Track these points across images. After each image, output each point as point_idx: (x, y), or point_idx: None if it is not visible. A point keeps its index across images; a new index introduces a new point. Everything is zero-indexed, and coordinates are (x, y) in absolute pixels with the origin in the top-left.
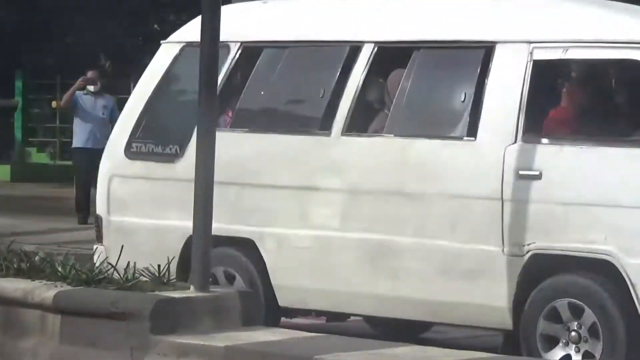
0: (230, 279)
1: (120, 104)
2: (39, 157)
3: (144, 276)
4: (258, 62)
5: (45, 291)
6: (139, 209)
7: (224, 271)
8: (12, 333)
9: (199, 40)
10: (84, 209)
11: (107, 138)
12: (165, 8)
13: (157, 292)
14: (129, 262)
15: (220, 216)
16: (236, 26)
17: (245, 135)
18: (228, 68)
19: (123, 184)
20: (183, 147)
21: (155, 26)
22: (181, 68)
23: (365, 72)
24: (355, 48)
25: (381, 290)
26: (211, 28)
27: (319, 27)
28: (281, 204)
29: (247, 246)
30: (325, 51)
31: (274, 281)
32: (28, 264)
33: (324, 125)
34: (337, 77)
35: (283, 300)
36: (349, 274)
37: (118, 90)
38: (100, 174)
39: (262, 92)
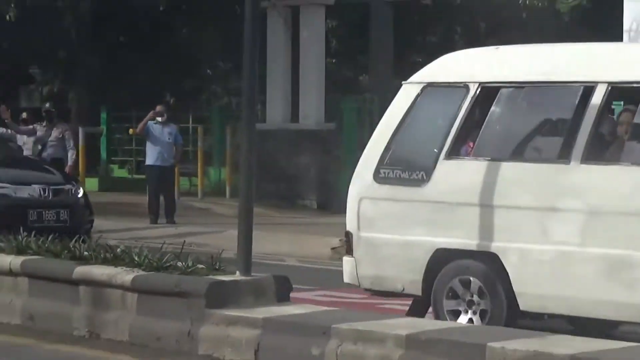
0: (466, 285)
1: (181, 132)
2: (119, 172)
3: (200, 264)
4: (495, 100)
5: (125, 275)
6: (387, 226)
7: (459, 279)
8: (100, 307)
9: (438, 81)
10: (155, 212)
11: (172, 158)
12: (215, 57)
13: (210, 276)
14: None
15: (465, 233)
16: (474, 69)
17: (487, 163)
18: (468, 105)
19: (372, 204)
20: (428, 173)
21: (208, 71)
22: (422, 105)
23: (599, 109)
24: (589, 88)
25: (620, 298)
26: (251, 65)
27: (553, 69)
28: (523, 222)
29: (490, 259)
30: (560, 90)
31: (516, 289)
32: (112, 255)
33: (562, 155)
34: (573, 113)
35: (524, 305)
36: (589, 283)
37: (180, 120)
38: (350, 196)
39: (501, 126)
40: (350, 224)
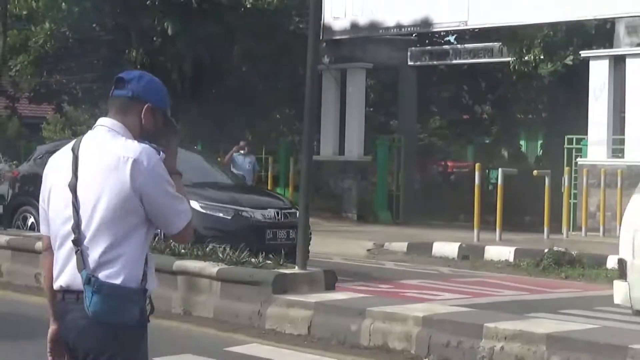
0: None
1: (257, 161)
2: None
3: (269, 260)
4: None
5: (212, 268)
6: None
7: None
8: (193, 292)
9: None
10: None
11: (250, 180)
12: (283, 105)
13: (276, 269)
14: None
15: None
16: None
17: None
18: None
19: None
20: None
21: (278, 116)
22: None
23: None
24: None
25: None
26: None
27: None
28: None
29: None
30: None
31: None
32: (203, 252)
33: None
34: None
35: None
36: None
37: (256, 152)
38: (624, 230)
39: None
40: (624, 252)
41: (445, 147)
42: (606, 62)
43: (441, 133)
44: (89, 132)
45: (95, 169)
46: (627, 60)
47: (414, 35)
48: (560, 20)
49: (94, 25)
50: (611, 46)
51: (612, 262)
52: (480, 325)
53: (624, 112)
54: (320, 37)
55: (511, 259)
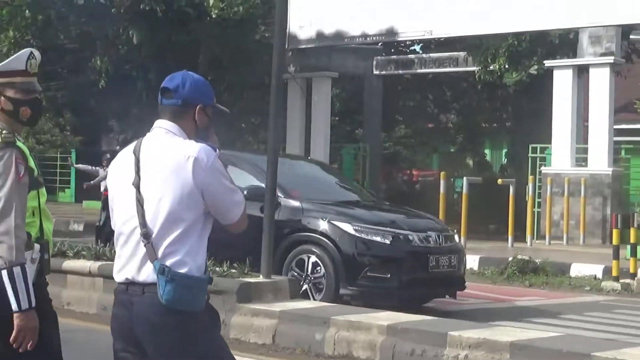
0: None
1: None
2: None
3: (233, 269)
4: None
5: None
6: None
7: None
8: None
9: None
10: None
11: None
12: (248, 114)
13: (240, 278)
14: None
15: None
16: None
17: None
18: None
19: None
20: None
21: (243, 125)
22: None
23: None
24: None
25: None
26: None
27: None
28: None
29: None
30: None
31: None
32: None
33: None
34: None
35: None
36: None
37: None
38: None
39: None
40: None
41: (410, 156)
42: (570, 71)
43: (406, 142)
44: (148, 134)
45: (157, 168)
46: (591, 70)
47: (379, 44)
48: (524, 30)
49: (59, 33)
50: (575, 56)
51: (575, 270)
52: (444, 334)
53: (587, 122)
54: (286, 46)
55: (475, 267)
